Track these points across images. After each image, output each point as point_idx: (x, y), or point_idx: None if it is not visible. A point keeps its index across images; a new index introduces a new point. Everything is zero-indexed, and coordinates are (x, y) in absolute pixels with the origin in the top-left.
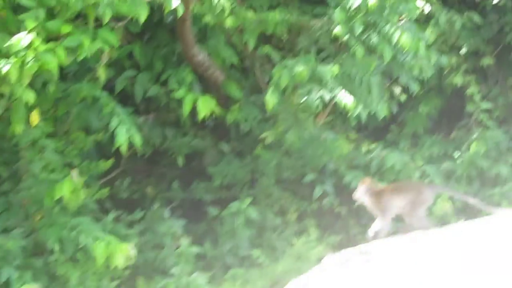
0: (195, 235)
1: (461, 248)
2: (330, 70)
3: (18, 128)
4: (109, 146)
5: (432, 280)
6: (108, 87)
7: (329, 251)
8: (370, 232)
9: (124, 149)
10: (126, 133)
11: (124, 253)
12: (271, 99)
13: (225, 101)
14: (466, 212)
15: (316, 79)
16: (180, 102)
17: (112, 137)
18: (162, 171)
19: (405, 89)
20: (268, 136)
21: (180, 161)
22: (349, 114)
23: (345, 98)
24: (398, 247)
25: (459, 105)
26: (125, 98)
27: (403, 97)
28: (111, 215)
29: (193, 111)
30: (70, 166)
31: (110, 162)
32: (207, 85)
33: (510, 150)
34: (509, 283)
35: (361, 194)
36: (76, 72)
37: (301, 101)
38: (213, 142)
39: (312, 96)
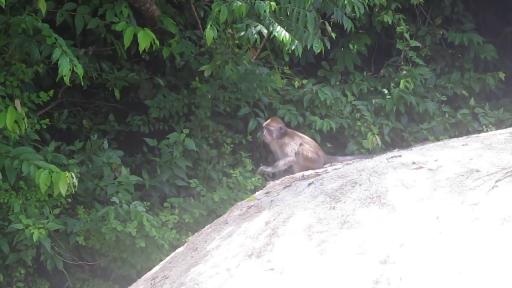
0: (133, 165)
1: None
2: (268, 5)
3: None
4: (47, 79)
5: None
6: (48, 20)
7: (263, 182)
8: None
9: (67, 80)
10: (69, 64)
11: (66, 181)
12: (210, 33)
13: (161, 36)
14: (394, 146)
15: (254, 14)
16: (117, 35)
17: (51, 69)
18: (99, 104)
19: (337, 26)
20: (206, 70)
21: (117, 94)
22: (284, 49)
23: (282, 33)
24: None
25: (388, 43)
26: (62, 31)
27: (334, 34)
28: (52, 145)
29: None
30: (11, 97)
31: (50, 93)
32: (143, 20)
33: (436, 87)
34: None
35: (276, 131)
36: (15, 4)
37: (239, 36)
38: (148, 75)
39: (249, 31)
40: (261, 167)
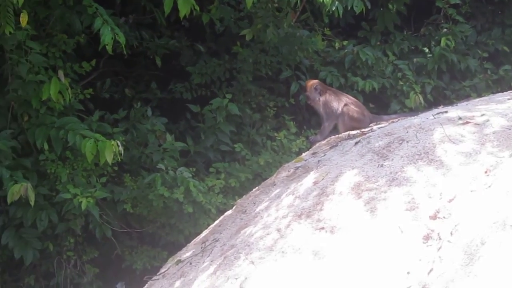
0: (177, 132)
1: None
2: None
3: (8, 28)
4: (88, 49)
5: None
6: None
7: (307, 144)
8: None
9: (109, 48)
10: (111, 32)
11: (112, 150)
12: None
13: (200, 2)
14: (436, 105)
15: None
16: (156, 3)
17: (92, 39)
18: (141, 72)
19: None
20: (246, 34)
21: (158, 61)
22: (324, 11)
23: None
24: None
25: (427, 1)
26: (102, 1)
27: None
28: (96, 115)
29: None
30: (53, 68)
31: (93, 62)
32: None
33: (478, 44)
34: None
35: (313, 92)
36: None
37: None
38: (189, 42)
39: None
40: (310, 138)
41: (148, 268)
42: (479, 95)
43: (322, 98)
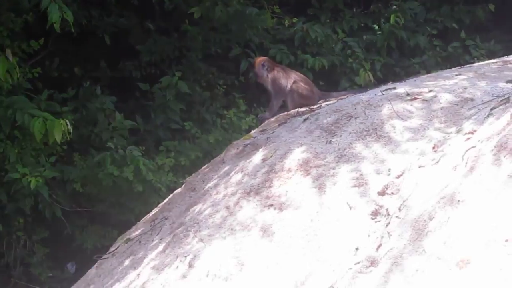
0: (126, 111)
1: None
2: None
3: None
4: (37, 28)
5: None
6: None
7: (257, 121)
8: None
9: (57, 27)
10: (58, 11)
11: (61, 128)
12: None
13: None
14: (386, 82)
15: None
16: None
17: (40, 18)
18: (90, 51)
19: None
20: (195, 11)
21: (107, 40)
22: None
23: None
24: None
25: None
26: None
27: None
28: (45, 94)
29: None
30: (1, 47)
31: (41, 41)
32: None
33: (427, 21)
34: None
35: (261, 69)
36: None
37: None
38: (138, 20)
39: None
40: (259, 115)
41: (98, 247)
42: (428, 72)
43: (270, 75)
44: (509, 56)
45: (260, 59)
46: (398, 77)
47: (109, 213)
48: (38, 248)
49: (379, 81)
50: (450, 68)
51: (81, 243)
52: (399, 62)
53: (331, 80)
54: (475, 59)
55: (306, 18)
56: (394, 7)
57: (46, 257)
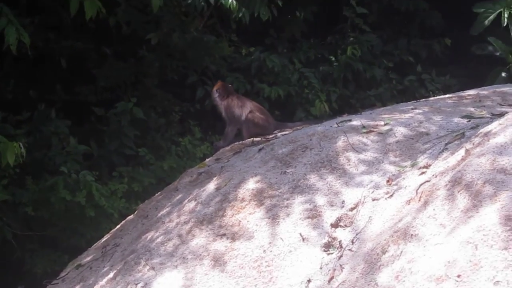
0: (81, 135)
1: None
2: None
3: None
4: None
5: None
6: None
7: (212, 149)
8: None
9: (13, 48)
10: (15, 32)
11: (14, 151)
12: (156, 1)
13: (107, 5)
14: (341, 113)
15: None
16: (63, 4)
17: None
18: (45, 74)
19: None
20: (153, 37)
21: (63, 63)
22: (231, 17)
23: (229, 0)
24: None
25: (335, 10)
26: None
27: (280, 2)
28: None
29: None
30: None
31: None
32: None
33: (383, 54)
34: None
35: (216, 97)
36: None
37: (186, 3)
38: (95, 44)
39: None
40: (214, 143)
41: (48, 272)
42: (384, 104)
43: (224, 102)
44: (464, 91)
45: (216, 85)
46: (354, 109)
47: (60, 238)
48: None
49: (335, 112)
50: (405, 101)
51: (31, 267)
52: (355, 93)
53: (287, 110)
54: (431, 93)
55: (263, 47)
56: (351, 39)
57: None
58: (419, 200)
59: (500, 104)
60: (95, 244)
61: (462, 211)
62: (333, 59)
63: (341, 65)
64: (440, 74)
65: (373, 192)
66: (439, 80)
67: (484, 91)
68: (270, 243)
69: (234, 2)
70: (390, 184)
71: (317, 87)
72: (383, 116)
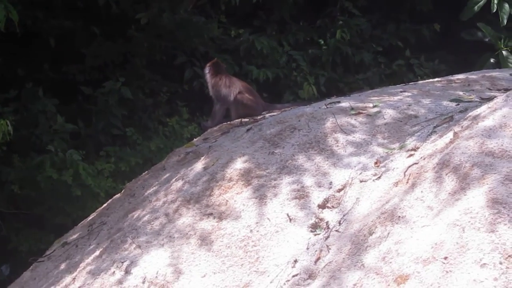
0: (68, 114)
1: None
2: None
3: None
4: None
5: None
6: None
7: (199, 130)
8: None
9: (1, 25)
10: (3, 10)
11: (1, 129)
12: None
13: None
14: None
15: None
16: None
17: None
18: (34, 52)
19: None
20: (142, 18)
21: (52, 42)
22: None
23: None
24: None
25: None
26: None
27: None
28: None
29: None
30: None
31: None
32: None
33: (372, 38)
34: None
35: (206, 73)
36: None
37: None
38: (84, 23)
39: None
40: (202, 123)
41: (34, 250)
42: (372, 88)
43: (212, 80)
44: (453, 75)
45: (209, 62)
46: (342, 93)
47: (46, 217)
48: None
49: (323, 95)
50: (393, 85)
51: (17, 245)
52: (343, 77)
53: (275, 92)
54: (419, 77)
55: (252, 29)
56: (341, 22)
57: None
58: (407, 182)
59: (489, 89)
60: (81, 223)
61: (449, 193)
62: (322, 42)
63: (330, 49)
64: (429, 59)
65: (361, 173)
66: (427, 65)
67: (473, 76)
68: (257, 223)
69: None
70: (378, 166)
71: (306, 70)
72: (372, 98)
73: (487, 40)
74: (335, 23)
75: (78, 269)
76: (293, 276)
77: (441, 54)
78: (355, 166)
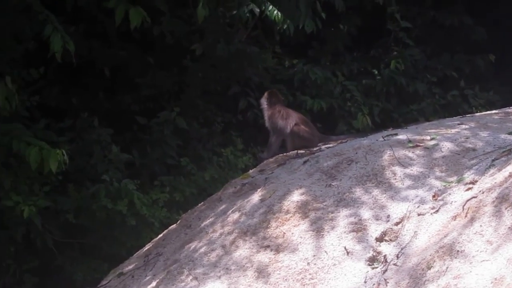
0: (123, 144)
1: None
2: None
3: None
4: (37, 55)
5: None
6: None
7: (254, 161)
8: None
9: (58, 56)
10: (61, 40)
11: (56, 158)
12: (201, 11)
13: (151, 14)
14: (383, 127)
15: None
16: (108, 13)
17: (41, 46)
18: (89, 82)
19: (327, 6)
20: (197, 48)
21: (107, 72)
22: (276, 29)
23: (274, 12)
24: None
25: (379, 23)
26: (53, 8)
27: (324, 14)
28: (42, 123)
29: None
30: (1, 74)
31: (41, 70)
32: None
33: (427, 68)
34: None
35: (263, 103)
36: None
37: (230, 14)
38: (139, 53)
39: (241, 10)
40: (258, 155)
41: (88, 279)
42: (427, 119)
43: (269, 111)
44: (510, 107)
45: (267, 92)
46: (396, 123)
47: (100, 246)
48: (27, 277)
49: (377, 126)
50: (448, 116)
51: (71, 274)
52: (397, 108)
53: (329, 122)
54: (474, 108)
55: (306, 59)
56: (395, 53)
57: (35, 287)
58: (466, 216)
59: None
60: (137, 253)
61: (509, 228)
62: (376, 72)
63: (384, 79)
64: (484, 90)
65: (418, 206)
66: (482, 95)
67: None
68: (314, 255)
69: (279, 14)
70: (436, 199)
71: (360, 100)
72: (429, 130)
73: None
74: (389, 53)
75: None
76: None
77: (495, 84)
78: (412, 199)
